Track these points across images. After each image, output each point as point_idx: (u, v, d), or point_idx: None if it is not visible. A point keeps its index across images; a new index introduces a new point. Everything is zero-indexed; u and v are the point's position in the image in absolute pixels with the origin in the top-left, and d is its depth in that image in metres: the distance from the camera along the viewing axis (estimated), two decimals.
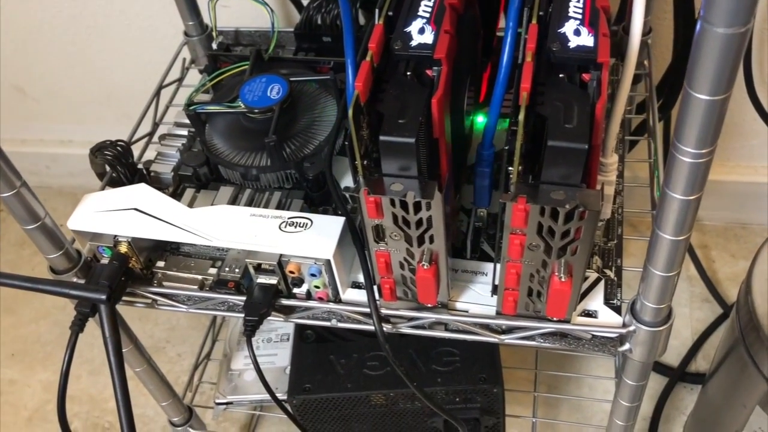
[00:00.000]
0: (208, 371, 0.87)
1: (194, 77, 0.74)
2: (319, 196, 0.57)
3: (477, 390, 0.65)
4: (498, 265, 0.46)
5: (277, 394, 0.77)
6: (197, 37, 0.73)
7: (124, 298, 0.54)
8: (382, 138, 0.39)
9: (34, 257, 1.10)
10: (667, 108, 0.78)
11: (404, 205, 0.42)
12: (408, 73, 0.42)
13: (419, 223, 0.43)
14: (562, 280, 0.43)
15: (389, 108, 0.40)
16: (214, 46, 0.72)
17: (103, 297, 0.50)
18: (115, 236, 0.52)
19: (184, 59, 0.75)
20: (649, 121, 0.62)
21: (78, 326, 0.51)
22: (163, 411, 0.73)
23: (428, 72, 0.42)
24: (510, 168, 0.39)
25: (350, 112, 0.38)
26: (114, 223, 0.52)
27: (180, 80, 0.73)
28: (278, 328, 0.81)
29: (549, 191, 0.38)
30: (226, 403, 0.77)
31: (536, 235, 0.41)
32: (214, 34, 0.71)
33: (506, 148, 0.39)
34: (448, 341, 0.67)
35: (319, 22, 0.68)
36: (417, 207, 0.42)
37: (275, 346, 0.79)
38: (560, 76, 0.40)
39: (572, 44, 0.41)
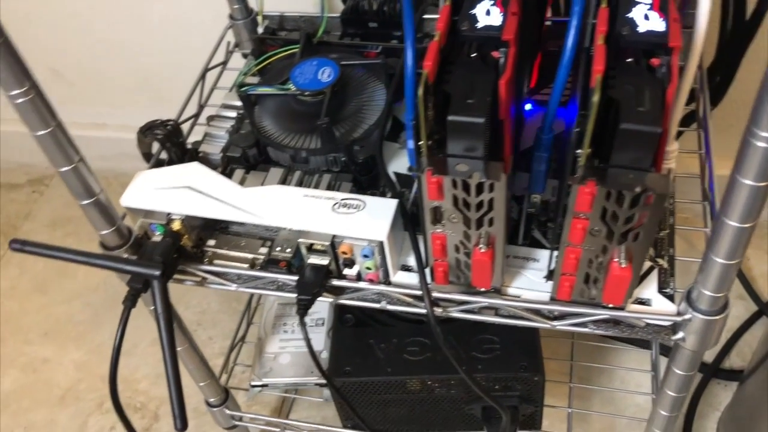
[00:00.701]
0: (241, 354, 0.88)
1: (237, 61, 0.74)
2: (367, 180, 0.57)
3: (517, 378, 0.65)
4: (555, 251, 0.46)
5: (313, 378, 0.78)
6: (242, 21, 0.73)
7: (174, 275, 0.54)
8: (450, 118, 0.39)
9: (67, 238, 1.11)
10: (712, 105, 0.77)
11: (466, 187, 0.42)
12: (473, 55, 0.42)
13: (479, 205, 0.43)
14: (623, 266, 0.43)
15: (457, 88, 0.40)
16: (260, 30, 0.72)
17: (157, 273, 0.50)
18: (169, 214, 0.53)
19: (228, 42, 0.75)
20: (699, 112, 0.62)
21: (131, 301, 0.51)
22: (200, 391, 0.74)
23: (494, 54, 0.42)
24: (578, 151, 0.39)
25: (420, 91, 0.38)
26: (168, 201, 0.53)
27: (224, 63, 0.73)
28: (313, 313, 0.81)
29: (618, 174, 0.38)
30: (262, 386, 0.78)
31: (599, 219, 0.41)
32: (259, 18, 0.72)
33: (576, 130, 0.39)
34: (488, 328, 0.67)
35: (366, 7, 0.68)
36: (479, 189, 0.42)
37: (310, 330, 0.80)
38: (629, 60, 0.40)
39: (641, 29, 0.40)
